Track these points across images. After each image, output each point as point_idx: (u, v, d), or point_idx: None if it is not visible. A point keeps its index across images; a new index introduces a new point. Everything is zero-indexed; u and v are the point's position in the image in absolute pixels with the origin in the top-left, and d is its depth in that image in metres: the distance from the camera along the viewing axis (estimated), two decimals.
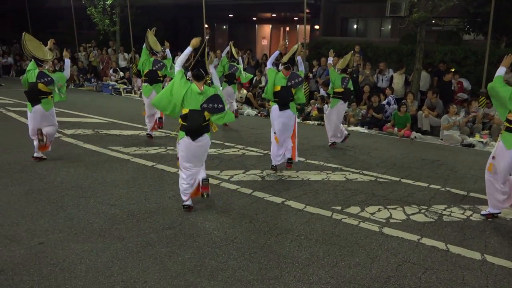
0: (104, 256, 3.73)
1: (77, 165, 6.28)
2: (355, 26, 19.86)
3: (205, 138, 4.67)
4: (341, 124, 8.22)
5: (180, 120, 4.63)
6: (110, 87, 15.29)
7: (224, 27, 24.85)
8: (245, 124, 10.11)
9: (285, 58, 6.40)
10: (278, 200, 5.20)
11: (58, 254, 3.73)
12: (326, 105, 11.19)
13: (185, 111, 4.53)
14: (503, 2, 11.27)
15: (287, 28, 23.49)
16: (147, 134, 8.42)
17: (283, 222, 4.58)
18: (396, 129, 9.62)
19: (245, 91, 13.01)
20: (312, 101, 12.08)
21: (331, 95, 8.10)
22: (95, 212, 4.64)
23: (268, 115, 11.53)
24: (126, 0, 16.64)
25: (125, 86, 15.51)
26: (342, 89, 7.79)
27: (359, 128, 10.30)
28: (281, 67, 6.40)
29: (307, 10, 14.18)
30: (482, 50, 11.12)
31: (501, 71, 4.90)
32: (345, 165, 6.85)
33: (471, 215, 4.96)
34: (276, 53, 6.65)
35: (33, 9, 21.27)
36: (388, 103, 10.58)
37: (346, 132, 8.19)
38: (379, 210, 5.01)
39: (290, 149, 6.39)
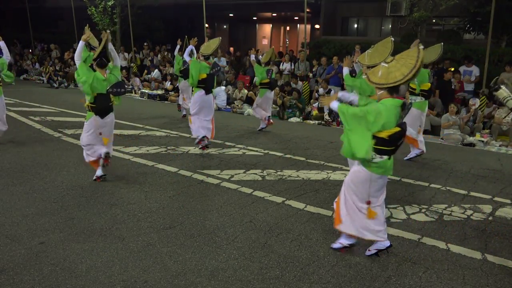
0: (105, 255, 3.73)
1: (78, 165, 6.28)
2: (355, 26, 19.87)
3: (111, 116, 5.65)
4: (268, 113, 9.25)
5: (87, 103, 5.43)
6: None
7: (225, 26, 24.86)
8: (245, 124, 10.11)
9: (205, 51, 7.40)
10: (279, 199, 5.20)
11: (59, 254, 3.73)
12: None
13: (93, 94, 5.34)
14: (503, 1, 11.27)
15: (288, 28, 23.50)
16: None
17: (284, 221, 4.58)
18: None
19: (245, 91, 13.01)
20: (312, 100, 12.08)
21: (258, 86, 9.24)
22: (95, 212, 4.65)
23: None
24: (126, 0, 16.65)
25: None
26: (268, 80, 8.87)
27: None
28: (201, 57, 7.36)
29: (308, 10, 14.18)
30: (483, 49, 11.12)
31: (345, 71, 5.85)
32: (346, 165, 6.82)
33: (471, 215, 4.96)
34: (190, 47, 7.83)
35: (33, 8, 21.28)
36: None
37: (264, 125, 9.28)
38: None
39: (210, 129, 7.33)
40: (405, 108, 3.63)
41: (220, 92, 12.74)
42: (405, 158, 7.28)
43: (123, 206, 4.83)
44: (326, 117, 10.95)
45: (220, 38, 8.16)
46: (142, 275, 3.45)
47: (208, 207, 4.90)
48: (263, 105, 9.16)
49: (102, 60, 5.36)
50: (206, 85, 7.16)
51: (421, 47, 3.61)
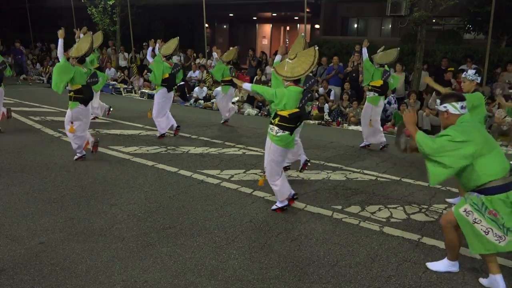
0: (105, 255, 3.73)
1: (78, 165, 6.28)
2: (355, 26, 19.88)
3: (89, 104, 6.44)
4: (231, 108, 10.01)
5: (72, 93, 6.28)
6: (110, 87, 15.27)
7: (225, 26, 24.86)
8: (246, 124, 10.11)
9: (166, 51, 8.07)
10: None
11: (59, 254, 3.73)
12: (326, 104, 11.20)
13: (77, 86, 6.23)
14: (503, 1, 11.27)
15: (288, 28, 23.49)
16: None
17: (284, 221, 4.58)
18: (396, 128, 9.62)
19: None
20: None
21: (221, 83, 9.81)
22: (95, 212, 4.65)
23: (268, 114, 11.57)
24: (126, 0, 16.65)
25: (125, 86, 15.52)
26: (230, 77, 9.39)
27: (359, 128, 10.28)
28: (163, 58, 8.01)
29: (308, 10, 14.19)
30: (483, 49, 11.11)
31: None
32: (346, 165, 6.84)
33: None
34: (150, 49, 8.57)
35: (33, 8, 21.27)
36: (389, 103, 10.58)
37: (228, 116, 9.95)
38: (379, 209, 5.01)
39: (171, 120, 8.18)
40: (304, 95, 4.51)
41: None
42: (360, 145, 8.13)
43: (123, 206, 4.83)
44: (326, 117, 10.95)
45: (178, 38, 8.57)
46: (142, 275, 3.45)
47: (208, 207, 4.90)
48: (228, 100, 9.84)
49: (82, 58, 6.35)
50: (168, 83, 7.97)
51: (317, 48, 4.55)
